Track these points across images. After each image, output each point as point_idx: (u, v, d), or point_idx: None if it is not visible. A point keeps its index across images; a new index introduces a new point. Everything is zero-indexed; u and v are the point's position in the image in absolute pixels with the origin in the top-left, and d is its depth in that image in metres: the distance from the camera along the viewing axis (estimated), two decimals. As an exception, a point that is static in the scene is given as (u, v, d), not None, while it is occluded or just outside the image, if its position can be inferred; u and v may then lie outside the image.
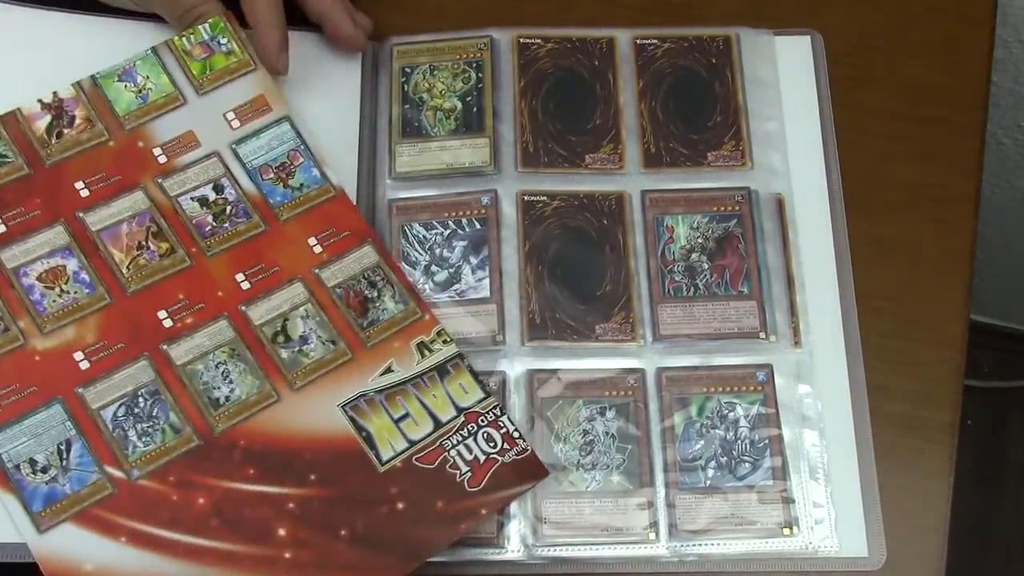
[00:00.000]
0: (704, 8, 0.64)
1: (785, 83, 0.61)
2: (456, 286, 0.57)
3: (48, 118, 0.55)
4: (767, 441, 0.53)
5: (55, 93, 0.55)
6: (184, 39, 0.57)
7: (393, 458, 0.51)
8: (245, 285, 0.53)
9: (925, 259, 0.59)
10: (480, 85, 0.61)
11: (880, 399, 0.55)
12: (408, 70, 0.61)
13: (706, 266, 0.57)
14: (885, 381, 0.56)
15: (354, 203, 0.56)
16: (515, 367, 0.55)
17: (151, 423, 0.51)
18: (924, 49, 0.63)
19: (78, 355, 0.51)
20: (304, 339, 0.53)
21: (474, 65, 0.61)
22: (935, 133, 0.61)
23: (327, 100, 0.60)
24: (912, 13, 0.64)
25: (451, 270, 0.57)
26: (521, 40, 0.62)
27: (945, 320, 0.57)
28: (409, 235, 0.58)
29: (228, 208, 0.55)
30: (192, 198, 0.55)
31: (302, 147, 0.56)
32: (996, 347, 1.36)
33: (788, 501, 0.52)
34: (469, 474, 0.51)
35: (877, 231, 0.59)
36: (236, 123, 0.56)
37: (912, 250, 0.59)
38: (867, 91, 0.62)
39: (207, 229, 0.54)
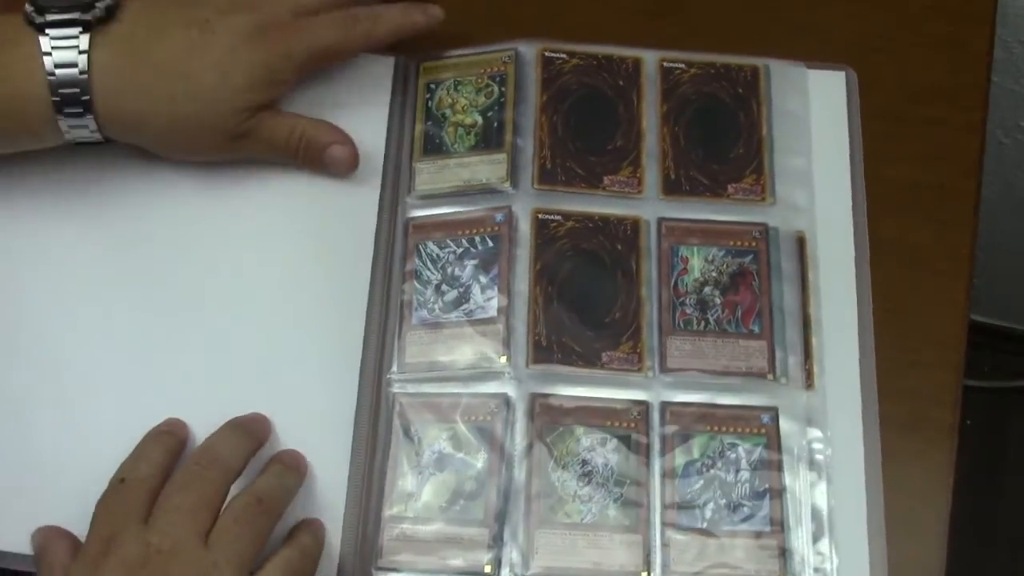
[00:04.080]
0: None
1: (815, 118, 0.60)
2: (465, 305, 0.56)
3: None
4: (767, 486, 0.53)
5: None
6: None
7: None
8: None
9: (925, 259, 0.58)
10: (502, 99, 0.60)
11: (879, 399, 0.55)
12: (433, 86, 0.60)
13: (718, 300, 0.56)
14: (884, 381, 0.55)
15: (375, 224, 0.57)
16: (518, 389, 0.55)
17: None
18: (924, 49, 0.62)
19: None
20: None
21: (498, 79, 0.60)
22: (935, 133, 0.61)
23: (357, 120, 0.59)
24: (912, 13, 0.63)
25: (461, 289, 0.56)
26: (546, 54, 0.61)
27: (945, 320, 0.57)
28: (423, 253, 0.57)
29: None
30: None
31: None
32: (996, 347, 1.36)
33: (785, 551, 0.52)
34: None
35: (877, 231, 0.58)
36: None
37: (912, 250, 0.58)
38: (867, 91, 0.61)
39: None
